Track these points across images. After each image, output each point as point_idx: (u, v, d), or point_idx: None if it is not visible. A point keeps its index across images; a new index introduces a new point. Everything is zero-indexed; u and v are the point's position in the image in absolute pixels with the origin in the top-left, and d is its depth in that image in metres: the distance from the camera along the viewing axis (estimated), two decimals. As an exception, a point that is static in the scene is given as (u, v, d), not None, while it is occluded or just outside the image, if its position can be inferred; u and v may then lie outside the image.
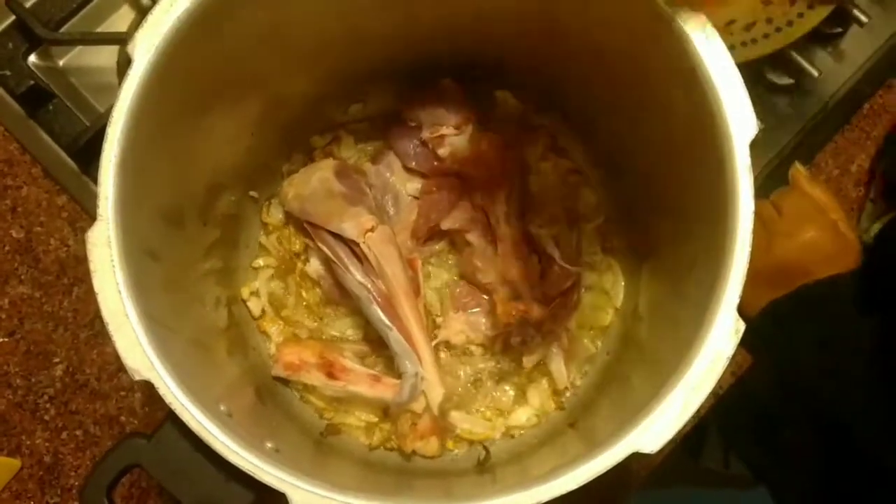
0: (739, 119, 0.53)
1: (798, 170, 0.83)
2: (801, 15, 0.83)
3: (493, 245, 0.76)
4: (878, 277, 0.75)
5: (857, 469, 0.76)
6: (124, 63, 0.54)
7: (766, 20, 0.84)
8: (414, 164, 0.80)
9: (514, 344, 0.76)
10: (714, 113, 0.53)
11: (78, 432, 0.83)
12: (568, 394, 0.78)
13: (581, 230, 0.79)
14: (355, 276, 0.71)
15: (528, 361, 0.77)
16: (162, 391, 0.51)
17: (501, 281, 0.74)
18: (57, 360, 0.84)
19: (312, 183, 0.75)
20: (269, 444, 0.56)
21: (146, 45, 0.54)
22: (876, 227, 0.86)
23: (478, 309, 0.78)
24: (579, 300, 0.79)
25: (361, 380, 0.71)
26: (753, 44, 0.83)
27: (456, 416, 0.76)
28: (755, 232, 0.52)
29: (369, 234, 0.71)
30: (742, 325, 0.52)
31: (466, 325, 0.78)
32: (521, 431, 0.77)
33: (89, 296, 0.84)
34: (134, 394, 0.84)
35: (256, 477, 0.51)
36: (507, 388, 0.78)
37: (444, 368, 0.75)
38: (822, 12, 0.83)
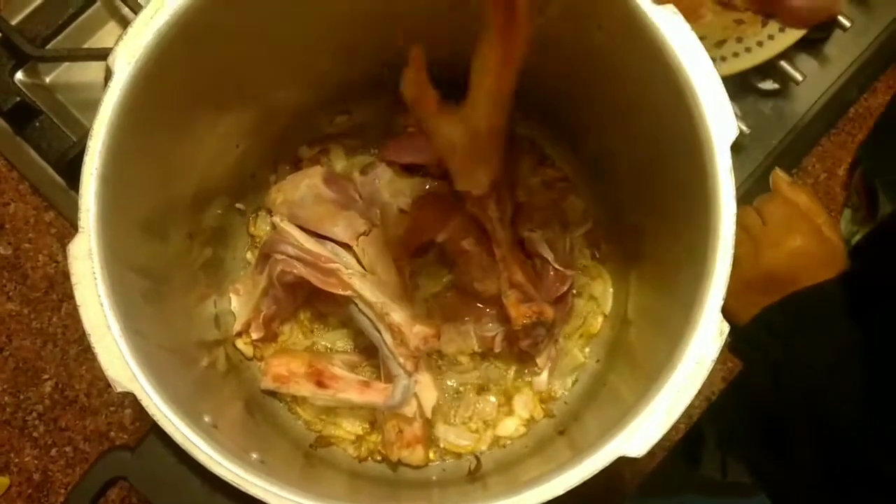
0: (719, 121, 0.53)
1: (779, 175, 0.83)
2: (771, 37, 0.83)
3: (489, 252, 0.76)
4: (860, 289, 0.75)
5: (858, 476, 0.75)
6: (109, 78, 0.54)
7: (737, 39, 0.84)
8: (413, 157, 0.79)
9: (523, 347, 0.75)
10: (694, 116, 0.54)
11: (67, 449, 0.83)
12: (557, 401, 0.77)
13: (571, 236, 0.79)
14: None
15: (543, 363, 0.77)
16: (144, 402, 0.51)
17: (508, 285, 0.73)
18: (46, 376, 0.84)
19: (301, 189, 0.75)
20: (254, 456, 0.56)
21: (127, 57, 0.54)
22: (856, 238, 0.86)
23: (468, 318, 0.78)
24: (573, 305, 0.79)
25: (351, 386, 0.70)
26: (722, 61, 0.83)
27: (441, 429, 0.76)
28: (741, 241, 0.52)
29: (363, 237, 0.71)
30: (726, 327, 0.52)
31: (457, 335, 0.77)
32: (510, 441, 0.77)
33: (78, 312, 0.83)
34: (124, 409, 0.83)
35: (241, 488, 0.51)
36: (490, 398, 0.78)
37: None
38: (793, 37, 0.83)
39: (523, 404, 0.77)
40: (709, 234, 0.53)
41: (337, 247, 0.71)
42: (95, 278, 0.52)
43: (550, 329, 0.74)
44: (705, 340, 0.51)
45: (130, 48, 0.54)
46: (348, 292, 0.69)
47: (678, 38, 0.54)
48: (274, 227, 0.76)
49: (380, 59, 0.74)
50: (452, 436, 0.76)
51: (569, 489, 0.51)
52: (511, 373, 0.78)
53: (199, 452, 0.51)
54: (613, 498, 0.83)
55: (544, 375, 0.77)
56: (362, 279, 0.69)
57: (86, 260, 0.52)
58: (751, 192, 0.85)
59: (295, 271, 0.70)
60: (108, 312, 0.52)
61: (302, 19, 0.64)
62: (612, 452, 0.51)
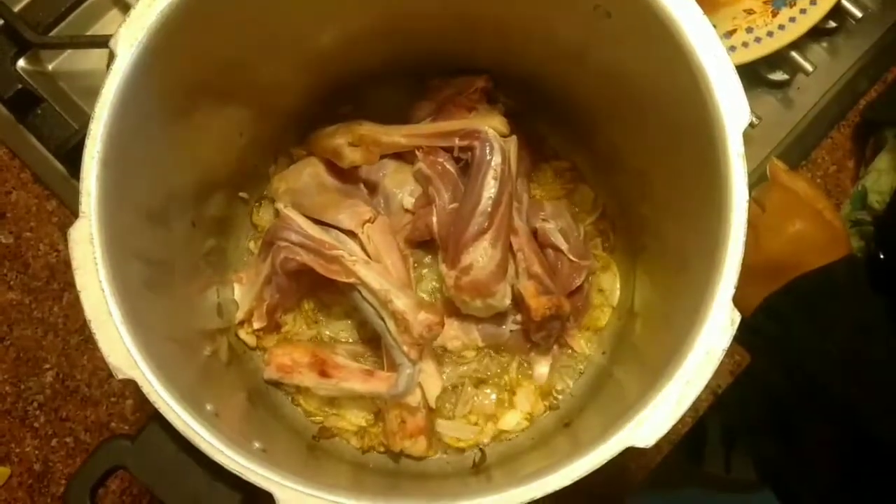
0: (732, 107, 0.52)
1: (776, 164, 0.82)
2: (781, 27, 0.83)
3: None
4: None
5: (878, 462, 0.74)
6: (112, 61, 0.53)
7: (747, 29, 0.83)
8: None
9: (537, 340, 0.75)
10: (706, 101, 0.53)
11: (68, 439, 0.82)
12: (563, 394, 0.77)
13: (583, 225, 0.79)
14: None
15: (579, 346, 0.78)
16: (145, 389, 0.50)
17: (527, 276, 0.72)
18: (47, 366, 0.83)
19: (304, 178, 0.74)
20: (256, 445, 0.55)
21: (129, 40, 0.53)
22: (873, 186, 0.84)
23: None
24: (589, 298, 0.78)
25: (354, 375, 0.70)
26: (732, 51, 0.82)
27: (440, 424, 0.75)
28: (742, 228, 0.51)
29: (368, 224, 0.70)
30: (738, 316, 0.51)
31: (461, 330, 0.76)
32: (514, 435, 0.76)
33: (80, 301, 0.83)
34: (125, 400, 0.83)
35: (243, 477, 0.50)
36: (488, 391, 0.77)
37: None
38: (804, 25, 0.82)
39: (525, 398, 0.77)
40: (720, 222, 0.52)
41: (341, 234, 0.70)
42: (96, 263, 0.51)
43: (565, 322, 0.73)
44: (716, 330, 0.51)
45: (133, 31, 0.53)
46: (352, 279, 0.68)
47: (690, 22, 0.53)
48: (277, 213, 0.75)
49: (386, 52, 0.74)
50: (452, 430, 0.75)
51: (575, 480, 0.50)
52: (514, 366, 0.77)
53: (201, 441, 0.50)
54: (619, 491, 0.82)
55: (545, 369, 0.77)
56: (366, 266, 0.68)
57: (87, 245, 0.51)
58: (757, 183, 0.84)
59: (298, 258, 0.69)
60: (109, 298, 0.51)
61: (305, 9, 0.63)
62: (621, 443, 0.50)
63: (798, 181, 0.80)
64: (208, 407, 0.55)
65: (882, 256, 0.78)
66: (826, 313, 0.75)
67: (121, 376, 0.50)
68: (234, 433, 0.53)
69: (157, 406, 0.50)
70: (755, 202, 0.78)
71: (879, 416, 0.71)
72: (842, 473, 0.78)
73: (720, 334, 0.51)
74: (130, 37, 0.53)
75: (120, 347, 0.51)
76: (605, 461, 0.50)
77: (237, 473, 0.50)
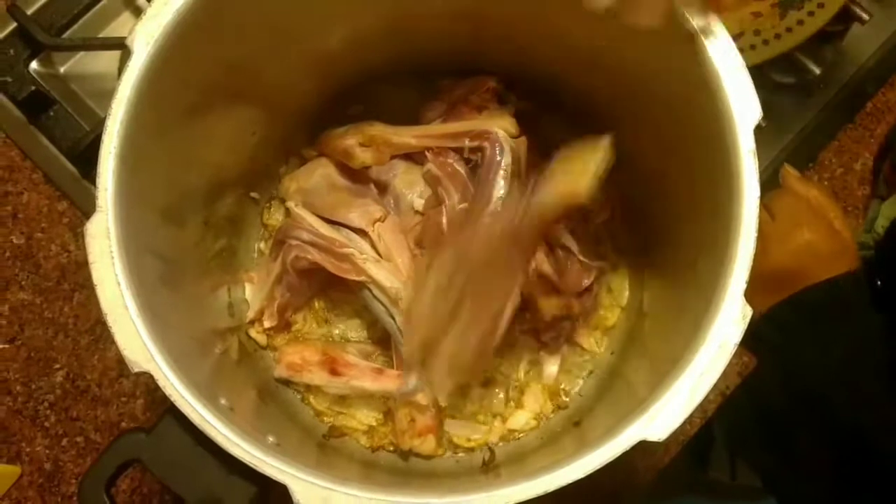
0: (743, 103, 0.53)
1: (788, 171, 0.82)
2: (789, 30, 0.83)
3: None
4: (890, 271, 0.74)
5: (873, 477, 0.74)
6: (128, 58, 0.54)
7: (755, 32, 0.84)
8: None
9: (546, 340, 0.75)
10: (717, 98, 0.53)
11: (79, 439, 0.83)
12: (571, 394, 0.77)
13: (593, 224, 0.79)
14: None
15: (588, 343, 0.78)
16: (161, 383, 0.51)
17: (536, 275, 0.72)
18: (57, 366, 0.84)
19: (315, 178, 0.75)
20: (270, 439, 0.55)
21: (146, 38, 0.54)
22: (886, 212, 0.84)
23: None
24: (598, 299, 0.78)
25: (364, 374, 0.70)
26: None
27: (451, 424, 0.75)
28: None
29: (378, 223, 0.71)
30: (749, 311, 0.51)
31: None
32: (522, 434, 0.76)
33: (90, 301, 0.83)
34: (136, 399, 0.83)
35: (258, 469, 0.50)
36: (496, 390, 0.77)
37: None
38: (811, 28, 0.82)
39: (533, 397, 0.77)
40: (732, 218, 0.52)
41: (351, 233, 0.71)
42: (112, 257, 0.52)
43: (574, 322, 0.73)
44: (729, 322, 0.51)
45: (150, 28, 0.54)
46: (362, 278, 0.68)
47: (700, 21, 0.53)
48: (288, 213, 0.76)
49: (395, 52, 0.74)
50: (461, 429, 0.75)
51: (588, 473, 0.50)
52: (522, 366, 0.78)
53: (217, 433, 0.51)
54: (626, 492, 0.82)
55: (553, 368, 0.77)
56: (377, 265, 0.68)
57: (103, 239, 0.52)
58: (765, 187, 0.84)
59: (309, 257, 0.70)
60: (125, 292, 0.51)
61: (318, 5, 0.64)
62: (633, 436, 0.50)
63: (811, 189, 0.80)
64: (222, 401, 0.55)
65: (879, 283, 0.78)
66: (828, 327, 0.74)
67: (136, 370, 0.51)
68: (248, 427, 0.53)
69: (172, 399, 0.51)
70: (765, 209, 0.79)
71: (876, 430, 0.71)
72: (838, 486, 0.78)
73: (733, 327, 0.51)
74: (147, 34, 0.54)
75: (136, 341, 0.51)
76: (618, 455, 0.50)
77: (253, 466, 0.50)
